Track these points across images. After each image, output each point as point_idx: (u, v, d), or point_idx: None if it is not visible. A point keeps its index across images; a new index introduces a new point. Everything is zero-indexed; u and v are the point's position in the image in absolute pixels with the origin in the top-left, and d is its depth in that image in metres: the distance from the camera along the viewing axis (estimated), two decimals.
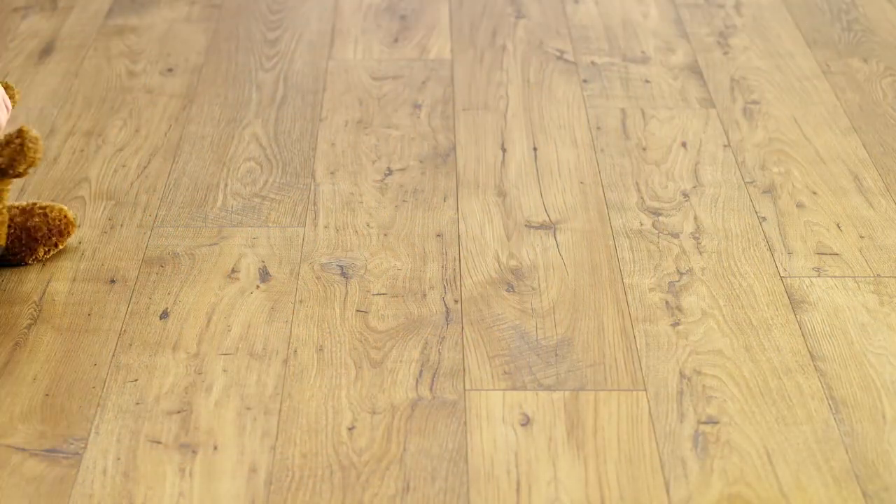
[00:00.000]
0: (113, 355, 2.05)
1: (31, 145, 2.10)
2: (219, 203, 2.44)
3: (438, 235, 2.34)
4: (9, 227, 2.23)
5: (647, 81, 2.87)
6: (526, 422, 1.92)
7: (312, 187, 2.49)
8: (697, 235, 2.35)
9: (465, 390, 1.99)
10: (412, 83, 2.87)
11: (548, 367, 2.03)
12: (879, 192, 2.48)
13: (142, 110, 2.75)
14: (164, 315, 2.14)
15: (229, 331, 2.10)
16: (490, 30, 3.11)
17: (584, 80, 2.88)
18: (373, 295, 2.19)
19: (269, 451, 1.87)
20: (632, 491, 1.81)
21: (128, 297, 2.18)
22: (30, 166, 2.12)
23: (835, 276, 2.24)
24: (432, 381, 2.00)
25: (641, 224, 2.37)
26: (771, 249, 2.31)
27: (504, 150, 2.60)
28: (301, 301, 2.17)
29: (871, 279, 2.23)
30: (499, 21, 3.15)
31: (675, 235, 2.35)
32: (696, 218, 2.39)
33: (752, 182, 2.50)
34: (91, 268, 2.26)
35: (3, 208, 2.20)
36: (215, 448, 1.88)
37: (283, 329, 2.11)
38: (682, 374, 2.02)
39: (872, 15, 3.19)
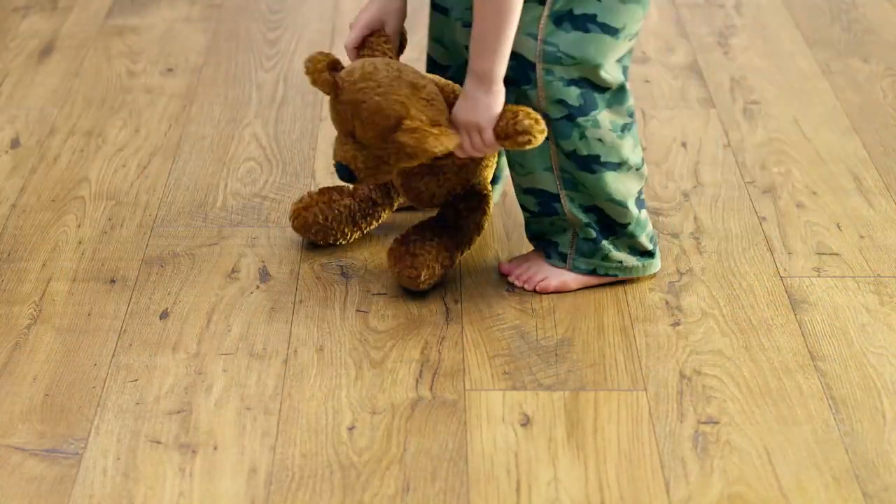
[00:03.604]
0: (113, 355, 2.05)
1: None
2: (219, 203, 2.43)
3: None
4: None
5: (647, 81, 2.87)
6: (526, 422, 1.92)
7: (312, 187, 2.48)
8: (697, 235, 2.35)
9: (465, 390, 1.99)
10: None
11: (548, 367, 2.03)
12: (879, 192, 2.48)
13: (142, 110, 2.75)
14: (164, 315, 2.14)
15: (229, 331, 2.10)
16: None
17: None
18: (373, 295, 2.19)
19: (269, 451, 1.87)
20: (632, 491, 1.81)
21: (128, 297, 2.18)
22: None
23: (835, 276, 2.24)
24: (432, 381, 2.00)
25: None
26: (771, 249, 2.31)
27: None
28: (301, 301, 2.17)
29: (871, 279, 2.23)
30: None
31: (675, 235, 2.35)
32: (696, 218, 2.39)
33: (752, 182, 2.50)
34: (91, 268, 2.26)
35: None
36: (215, 448, 1.88)
37: (283, 329, 2.11)
38: (682, 374, 2.02)
39: (872, 15, 3.19)
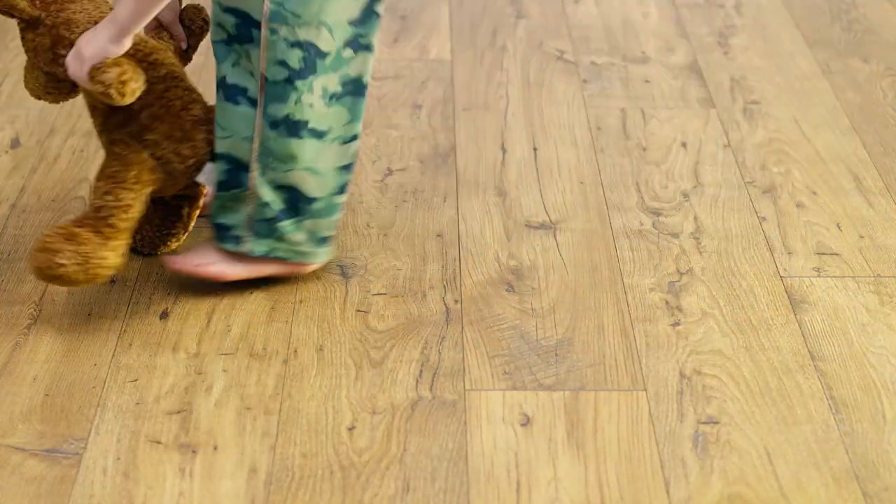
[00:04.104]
0: (113, 355, 2.05)
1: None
2: None
3: (438, 235, 2.34)
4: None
5: (647, 81, 2.87)
6: (526, 422, 1.92)
7: None
8: (697, 235, 2.35)
9: (465, 390, 1.99)
10: (412, 83, 2.87)
11: (548, 367, 2.03)
12: (879, 192, 2.48)
13: None
14: (164, 315, 2.14)
15: (229, 331, 2.10)
16: (490, 30, 3.11)
17: (584, 80, 2.88)
18: (373, 295, 2.19)
19: (269, 451, 1.87)
20: (632, 491, 1.81)
21: (128, 297, 2.18)
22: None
23: (835, 276, 2.24)
24: (432, 381, 2.00)
25: (641, 224, 2.38)
26: (771, 249, 2.31)
27: (504, 150, 2.60)
28: (301, 301, 2.17)
29: (871, 279, 2.24)
30: (499, 21, 3.15)
31: (675, 235, 2.35)
32: (696, 218, 2.39)
33: (752, 182, 2.51)
34: None
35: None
36: (215, 448, 1.88)
37: (283, 329, 2.11)
38: (682, 374, 2.02)
39: (872, 15, 3.19)
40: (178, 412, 1.94)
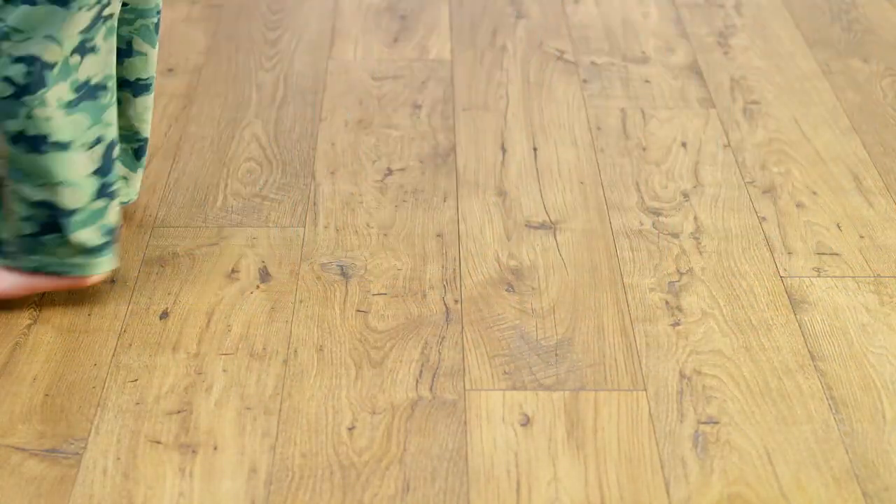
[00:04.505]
0: (113, 355, 2.05)
1: None
2: (219, 203, 2.44)
3: (438, 235, 2.34)
4: None
5: (647, 81, 2.87)
6: (526, 422, 1.92)
7: (312, 187, 2.49)
8: (697, 235, 2.35)
9: (465, 390, 1.99)
10: (412, 83, 2.87)
11: (548, 367, 2.03)
12: (879, 192, 2.48)
13: None
14: (164, 315, 2.14)
15: (229, 331, 2.10)
16: (490, 30, 3.11)
17: (584, 80, 2.88)
18: (373, 295, 2.19)
19: (269, 451, 1.87)
20: (632, 491, 1.81)
21: (128, 297, 2.18)
22: None
23: (835, 276, 2.24)
24: (432, 381, 2.00)
25: (641, 224, 2.38)
26: (771, 249, 2.31)
27: (504, 150, 2.60)
28: (301, 301, 2.17)
29: (871, 279, 2.24)
30: (499, 21, 3.15)
31: (675, 235, 2.35)
32: (696, 218, 2.39)
33: (752, 182, 2.51)
34: None
35: None
36: (215, 448, 1.88)
37: (283, 329, 2.11)
38: (682, 374, 2.02)
39: (872, 15, 3.19)
40: (178, 412, 1.94)
